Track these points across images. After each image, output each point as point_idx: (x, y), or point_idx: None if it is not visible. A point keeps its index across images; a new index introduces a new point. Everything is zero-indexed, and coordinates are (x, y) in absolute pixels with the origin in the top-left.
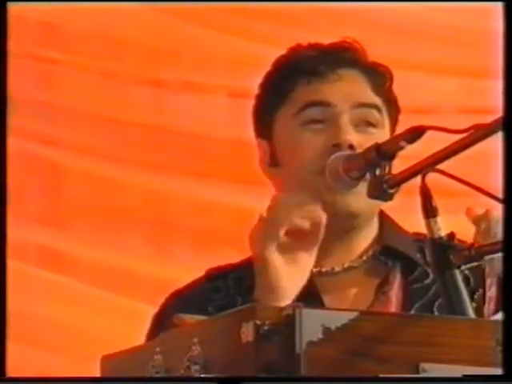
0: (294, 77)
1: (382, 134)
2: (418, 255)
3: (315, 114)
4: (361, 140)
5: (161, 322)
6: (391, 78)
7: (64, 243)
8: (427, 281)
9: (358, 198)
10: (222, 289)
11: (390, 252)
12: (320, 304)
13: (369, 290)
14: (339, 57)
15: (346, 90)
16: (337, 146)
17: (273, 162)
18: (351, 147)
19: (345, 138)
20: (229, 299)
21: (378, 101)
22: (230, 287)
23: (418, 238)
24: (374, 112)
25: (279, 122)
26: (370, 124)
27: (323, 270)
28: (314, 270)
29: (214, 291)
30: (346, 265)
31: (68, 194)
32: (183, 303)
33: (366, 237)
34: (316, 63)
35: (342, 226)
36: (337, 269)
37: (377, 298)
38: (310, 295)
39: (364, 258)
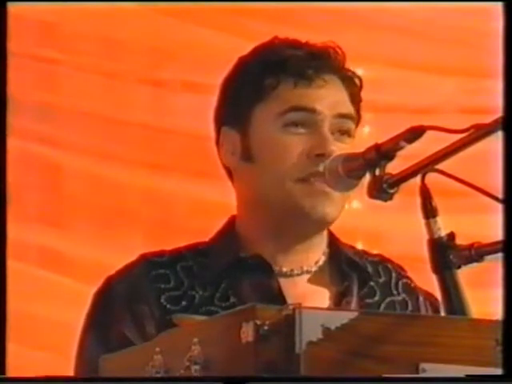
0: (277, 74)
1: (352, 144)
2: (370, 268)
3: (298, 118)
4: (338, 149)
5: (105, 305)
6: (361, 88)
7: (64, 243)
8: (376, 298)
9: (336, 209)
10: (172, 278)
11: (347, 261)
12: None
13: (326, 296)
14: (324, 61)
15: (330, 98)
16: (321, 156)
17: (246, 156)
18: None
19: (331, 149)
20: (183, 292)
21: (353, 111)
22: (184, 279)
23: (357, 253)
24: (350, 122)
25: (258, 117)
26: (345, 133)
27: (283, 270)
28: (275, 268)
29: (163, 280)
30: (304, 268)
31: (68, 194)
32: (127, 288)
33: (321, 243)
34: (304, 66)
35: (310, 230)
36: (295, 271)
37: (341, 306)
38: (273, 294)
39: (320, 263)
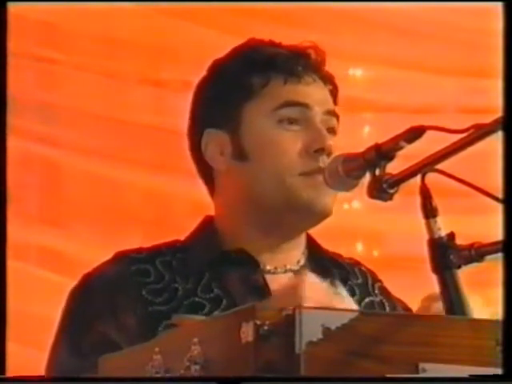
0: (265, 71)
1: (335, 142)
2: (348, 268)
3: (292, 114)
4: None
5: (83, 301)
6: (337, 88)
7: (64, 243)
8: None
9: (333, 200)
10: (152, 272)
11: (328, 259)
12: (268, 295)
13: None
14: (308, 60)
15: (318, 95)
16: (319, 151)
17: (238, 155)
18: (329, 154)
19: (328, 144)
20: (164, 285)
21: (335, 109)
22: (164, 273)
23: (334, 254)
24: (335, 120)
25: (249, 115)
26: (331, 131)
27: (267, 267)
28: (260, 266)
29: (143, 274)
30: (287, 267)
31: (68, 193)
32: (105, 284)
33: (301, 243)
34: (293, 63)
35: (309, 224)
36: (279, 269)
37: None
38: (258, 286)
39: (301, 263)
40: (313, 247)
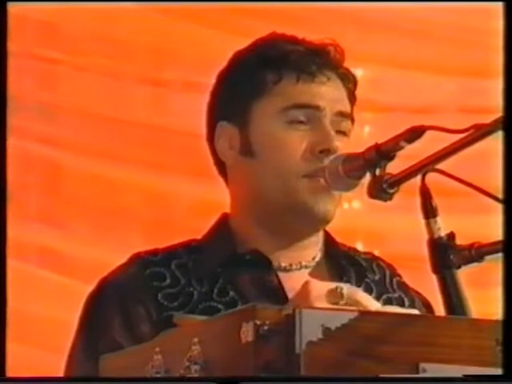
0: (278, 68)
1: (347, 144)
2: (365, 265)
3: (302, 115)
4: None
5: (98, 308)
6: (356, 88)
7: (64, 243)
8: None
9: (335, 207)
10: (168, 276)
11: (345, 257)
12: (284, 299)
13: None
14: (325, 58)
15: (331, 96)
16: (325, 152)
17: (245, 150)
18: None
19: (335, 145)
20: (180, 289)
21: (350, 110)
22: (180, 277)
23: (351, 250)
24: (348, 122)
25: (259, 112)
26: (341, 132)
27: (282, 264)
28: (274, 263)
29: (158, 278)
30: (303, 263)
31: (68, 193)
32: (122, 289)
33: (317, 241)
34: (307, 61)
35: (308, 228)
36: (294, 266)
37: None
38: (273, 288)
39: (317, 259)
40: (329, 244)
